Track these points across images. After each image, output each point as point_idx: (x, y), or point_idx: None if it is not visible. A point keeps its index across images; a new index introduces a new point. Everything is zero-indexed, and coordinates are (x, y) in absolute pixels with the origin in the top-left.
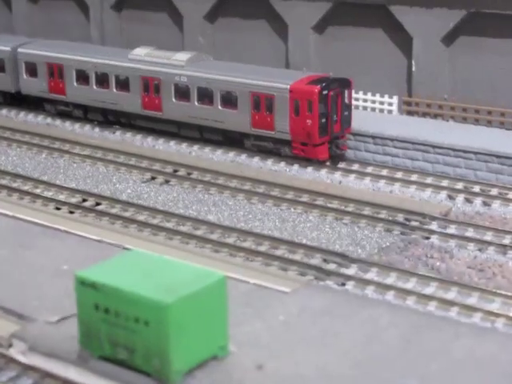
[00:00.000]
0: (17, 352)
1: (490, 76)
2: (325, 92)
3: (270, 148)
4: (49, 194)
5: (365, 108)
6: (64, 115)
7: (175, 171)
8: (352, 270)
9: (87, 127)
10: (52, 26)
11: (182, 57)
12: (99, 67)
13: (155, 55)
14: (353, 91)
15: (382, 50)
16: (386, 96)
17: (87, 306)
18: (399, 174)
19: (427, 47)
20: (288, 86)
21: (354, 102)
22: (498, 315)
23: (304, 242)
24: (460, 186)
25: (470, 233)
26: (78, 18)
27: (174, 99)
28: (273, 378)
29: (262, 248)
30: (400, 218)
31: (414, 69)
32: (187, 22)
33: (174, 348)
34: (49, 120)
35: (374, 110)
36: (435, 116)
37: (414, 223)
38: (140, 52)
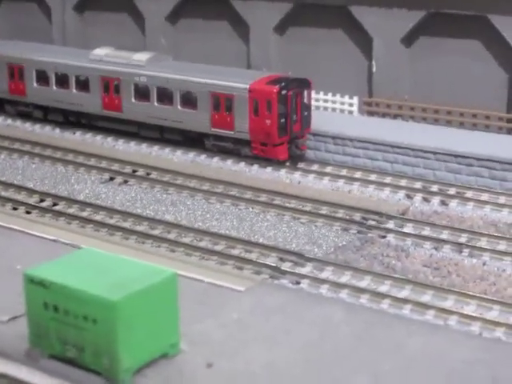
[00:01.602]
0: None
1: (449, 76)
2: (284, 92)
3: (230, 148)
4: (6, 194)
5: (325, 108)
6: (24, 116)
7: (134, 171)
8: (307, 269)
9: (47, 128)
10: (14, 28)
11: (141, 57)
12: (59, 68)
13: (115, 55)
14: (313, 91)
15: (343, 50)
16: (347, 96)
17: (36, 304)
18: (358, 174)
19: (387, 48)
20: (247, 86)
21: (314, 103)
22: (451, 313)
23: (261, 241)
24: (418, 185)
25: (426, 231)
26: (41, 20)
27: (133, 99)
28: (222, 376)
29: (219, 247)
30: (357, 217)
31: (374, 69)
32: (149, 23)
33: (123, 346)
34: (9, 121)
35: (334, 111)
36: (395, 116)
37: (371, 222)
38: (100, 52)
